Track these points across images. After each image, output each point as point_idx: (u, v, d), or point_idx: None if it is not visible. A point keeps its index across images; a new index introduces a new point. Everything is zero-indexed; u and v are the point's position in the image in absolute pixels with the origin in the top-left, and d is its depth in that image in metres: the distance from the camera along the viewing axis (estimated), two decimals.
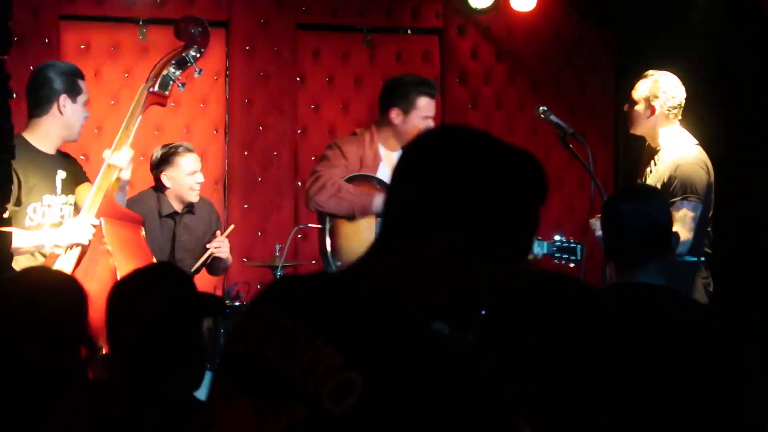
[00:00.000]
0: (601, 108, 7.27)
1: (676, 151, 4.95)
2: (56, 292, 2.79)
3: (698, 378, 1.97)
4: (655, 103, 4.99)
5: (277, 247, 5.78)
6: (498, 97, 7.13)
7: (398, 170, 1.53)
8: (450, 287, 1.49)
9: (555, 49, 7.17)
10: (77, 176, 4.49)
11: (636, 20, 6.96)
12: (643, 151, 5.27)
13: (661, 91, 5.00)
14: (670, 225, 2.98)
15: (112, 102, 6.34)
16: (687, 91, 5.15)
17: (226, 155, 6.73)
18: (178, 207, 5.47)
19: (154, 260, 4.40)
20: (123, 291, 2.68)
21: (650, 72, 5.08)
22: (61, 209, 4.33)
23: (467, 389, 1.40)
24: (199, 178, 5.44)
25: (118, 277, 4.03)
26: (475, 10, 6.72)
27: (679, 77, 5.21)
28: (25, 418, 2.64)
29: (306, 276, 1.59)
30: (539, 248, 4.99)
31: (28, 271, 3.21)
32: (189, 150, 5.47)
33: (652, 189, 3.13)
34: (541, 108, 4.94)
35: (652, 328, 2.04)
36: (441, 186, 1.47)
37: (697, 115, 5.37)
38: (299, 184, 6.80)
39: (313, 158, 6.86)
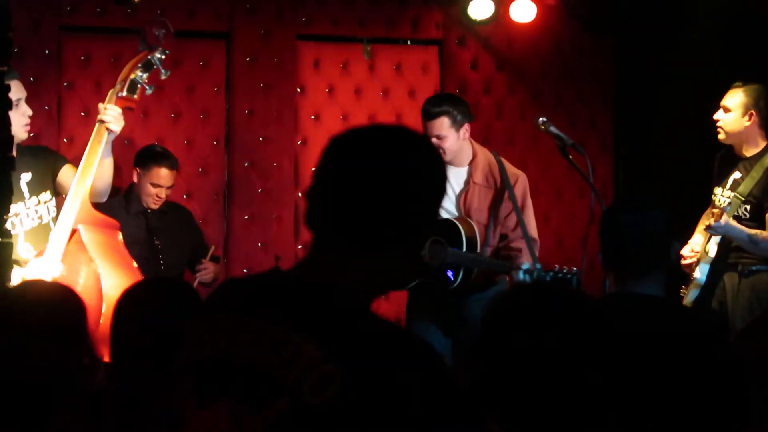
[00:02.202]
0: (601, 118, 7.28)
1: None
2: (54, 304, 2.79)
3: (694, 389, 1.98)
4: (753, 111, 5.13)
5: (277, 258, 5.79)
6: (498, 107, 7.14)
7: (317, 175, 1.75)
8: (373, 279, 1.63)
9: (555, 59, 7.18)
10: (48, 168, 4.42)
11: (636, 30, 6.97)
12: (720, 160, 5.34)
13: (758, 99, 5.11)
14: (669, 236, 2.99)
15: None
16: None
17: (227, 166, 6.74)
18: (149, 204, 5.53)
19: (135, 264, 4.42)
20: (128, 302, 2.69)
21: (741, 82, 5.20)
22: (36, 211, 4.28)
23: (441, 384, 1.49)
24: (162, 193, 5.53)
25: (102, 284, 4.06)
26: (475, 21, 6.74)
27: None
28: (26, 430, 2.64)
29: (257, 276, 1.69)
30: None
31: (26, 285, 3.20)
32: (164, 163, 5.54)
33: (650, 200, 3.14)
34: (540, 119, 4.97)
35: (648, 339, 2.04)
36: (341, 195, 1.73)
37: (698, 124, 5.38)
38: (300, 195, 6.81)
39: (313, 169, 6.86)
